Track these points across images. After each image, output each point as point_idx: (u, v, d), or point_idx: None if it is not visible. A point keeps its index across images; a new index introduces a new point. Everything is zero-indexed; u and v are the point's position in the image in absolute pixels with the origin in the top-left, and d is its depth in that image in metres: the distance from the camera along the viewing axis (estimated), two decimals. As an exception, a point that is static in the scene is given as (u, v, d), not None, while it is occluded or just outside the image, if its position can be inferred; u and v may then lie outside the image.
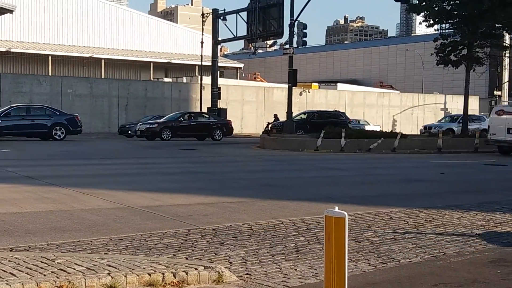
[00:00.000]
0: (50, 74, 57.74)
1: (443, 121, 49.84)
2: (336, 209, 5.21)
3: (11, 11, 49.22)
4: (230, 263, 7.69)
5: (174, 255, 8.02)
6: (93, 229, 9.66)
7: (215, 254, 8.10)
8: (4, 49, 53.30)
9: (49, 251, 7.96)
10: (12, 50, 57.26)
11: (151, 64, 65.91)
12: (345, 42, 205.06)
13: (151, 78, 63.51)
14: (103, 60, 62.83)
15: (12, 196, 12.93)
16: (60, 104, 46.44)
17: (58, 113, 34.24)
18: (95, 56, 62.65)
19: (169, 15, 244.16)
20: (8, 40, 58.51)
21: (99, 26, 65.73)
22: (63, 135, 33.41)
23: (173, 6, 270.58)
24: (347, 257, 5.07)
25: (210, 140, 38.37)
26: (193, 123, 38.93)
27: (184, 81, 59.88)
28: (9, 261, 7.06)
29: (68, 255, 7.61)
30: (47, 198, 12.68)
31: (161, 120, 39.10)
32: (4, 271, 6.61)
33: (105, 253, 7.95)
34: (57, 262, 7.04)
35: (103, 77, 60.73)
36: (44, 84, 47.13)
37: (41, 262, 7.05)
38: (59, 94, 46.99)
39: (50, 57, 59.76)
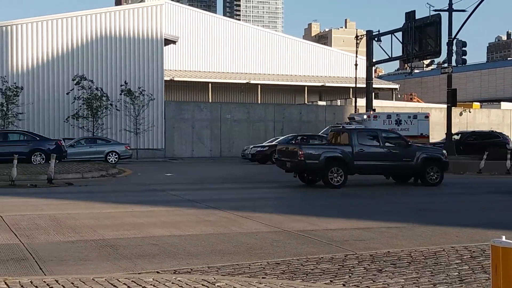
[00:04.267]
0: (210, 100, 60.21)
1: None
2: (503, 238, 4.87)
3: (174, 42, 52.09)
4: (389, 291, 7.45)
5: (331, 281, 7.92)
6: (251, 253, 9.81)
7: (373, 281, 7.89)
8: (168, 78, 56.39)
9: (210, 274, 8.19)
10: (175, 79, 60.49)
11: (306, 88, 66.60)
12: (508, 58, 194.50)
13: (306, 102, 64.11)
14: (259, 86, 64.49)
15: (175, 219, 13.53)
16: (219, 129, 48.22)
17: (38, 138, 32.06)
18: (252, 82, 64.49)
19: (323, 38, 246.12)
20: (171, 70, 61.89)
21: (255, 52, 67.66)
22: (44, 161, 30.69)
23: (327, 29, 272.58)
24: (517, 291, 4.70)
25: None
26: None
27: (338, 103, 59.79)
28: (172, 283, 7.34)
29: (227, 278, 7.78)
30: (207, 221, 13.12)
31: (273, 143, 38.82)
32: (168, 292, 6.87)
33: (262, 277, 8.02)
34: (217, 285, 7.21)
35: (259, 102, 62.26)
36: (205, 110, 49.19)
37: (202, 285, 7.25)
38: (218, 120, 48.79)
39: (210, 85, 62.36)
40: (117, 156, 36.90)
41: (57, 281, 7.36)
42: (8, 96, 42.37)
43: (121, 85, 45.27)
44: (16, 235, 11.20)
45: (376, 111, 44.13)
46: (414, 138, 39.01)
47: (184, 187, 21.49)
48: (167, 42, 50.07)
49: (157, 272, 8.28)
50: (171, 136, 47.58)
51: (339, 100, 62.60)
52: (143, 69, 47.67)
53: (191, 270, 8.51)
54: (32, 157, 30.28)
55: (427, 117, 40.79)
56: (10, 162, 28.66)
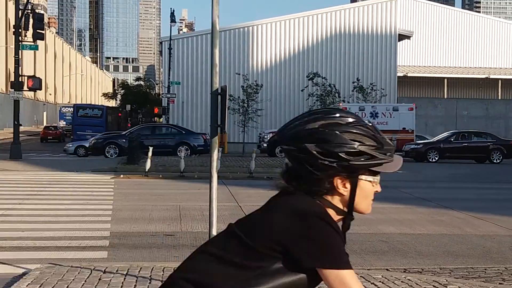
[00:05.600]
0: (445, 96, 58.17)
1: None
2: None
3: (408, 37, 51.16)
4: None
5: None
6: (487, 256, 9.28)
7: None
8: (401, 74, 55.59)
9: (441, 276, 7.89)
10: (409, 74, 59.45)
11: (553, 82, 61.30)
12: None
13: (553, 97, 59.03)
14: (500, 81, 60.78)
15: (406, 217, 13.27)
16: (455, 126, 46.36)
17: (184, 132, 32.54)
18: (491, 77, 61.00)
19: None
20: (405, 65, 60.90)
21: (495, 46, 63.86)
22: (189, 154, 30.56)
23: None
24: None
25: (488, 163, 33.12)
26: (465, 144, 34.13)
27: None
28: (401, 281, 7.20)
29: (460, 281, 7.43)
30: (439, 221, 12.67)
31: (429, 140, 35.39)
32: (397, 291, 6.75)
33: (499, 283, 7.54)
34: (449, 288, 6.92)
35: (499, 98, 58.71)
36: (439, 106, 47.65)
37: (433, 286, 7.01)
38: (453, 116, 46.94)
39: (445, 80, 60.25)
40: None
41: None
42: (249, 93, 44.97)
43: (353, 82, 45.62)
44: (252, 224, 11.80)
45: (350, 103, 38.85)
46: (395, 133, 33.82)
47: (415, 185, 21.00)
48: (401, 37, 49.33)
49: (387, 270, 8.19)
50: (403, 133, 46.83)
51: None
52: (375, 65, 47.55)
53: (422, 270, 8.28)
54: (178, 150, 30.30)
55: (411, 109, 35.13)
56: (157, 154, 28.59)
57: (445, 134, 35.52)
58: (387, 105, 36.45)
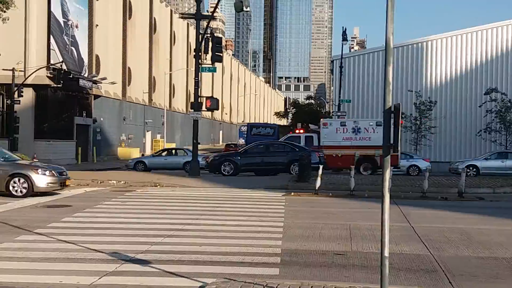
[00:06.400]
0: None
1: None
2: None
3: None
4: None
5: None
6: None
7: None
8: None
9: None
10: None
11: None
12: None
13: None
14: None
15: None
16: None
17: (297, 149, 31.39)
18: None
19: None
20: None
21: None
22: None
23: None
24: None
25: None
26: None
27: None
28: None
29: None
30: None
31: None
32: None
33: None
34: None
35: None
36: None
37: None
38: None
39: None
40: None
41: (465, 297, 7.24)
42: (422, 110, 43.79)
43: (538, 97, 42.78)
44: (426, 246, 11.42)
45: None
46: (378, 149, 31.33)
47: None
48: None
49: None
50: None
51: None
52: (562, 79, 44.28)
53: None
54: (291, 167, 30.16)
55: None
56: (270, 172, 30.19)
57: None
58: (371, 120, 34.66)
